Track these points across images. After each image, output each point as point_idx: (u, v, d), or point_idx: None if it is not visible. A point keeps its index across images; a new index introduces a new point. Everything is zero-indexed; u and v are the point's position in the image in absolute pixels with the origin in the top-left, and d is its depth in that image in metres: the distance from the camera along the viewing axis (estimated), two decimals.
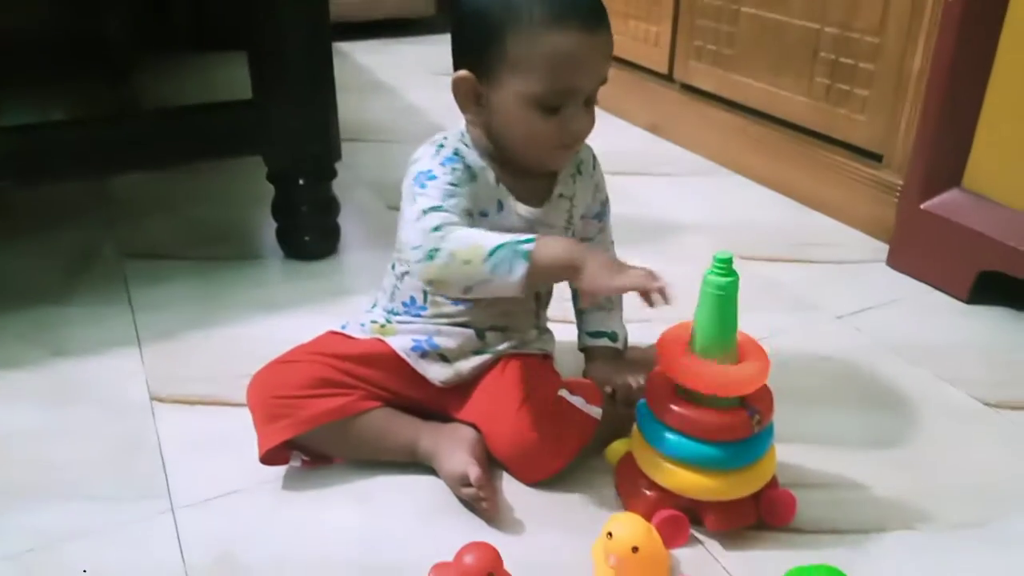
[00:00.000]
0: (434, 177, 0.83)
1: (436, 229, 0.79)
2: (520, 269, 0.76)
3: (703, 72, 1.77)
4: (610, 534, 0.74)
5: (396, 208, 0.88)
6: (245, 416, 0.90)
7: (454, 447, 0.86)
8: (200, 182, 1.63)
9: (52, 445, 0.94)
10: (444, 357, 0.91)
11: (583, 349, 0.98)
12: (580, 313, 1.00)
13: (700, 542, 0.82)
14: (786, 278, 1.32)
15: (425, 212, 0.81)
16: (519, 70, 0.81)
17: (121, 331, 1.15)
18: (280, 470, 0.90)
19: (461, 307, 0.91)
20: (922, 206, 1.27)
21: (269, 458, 0.87)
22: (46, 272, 1.31)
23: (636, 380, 0.91)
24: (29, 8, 1.77)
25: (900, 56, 1.34)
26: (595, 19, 0.81)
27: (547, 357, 0.95)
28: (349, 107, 1.57)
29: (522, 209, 0.89)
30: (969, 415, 1.01)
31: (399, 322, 0.93)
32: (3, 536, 0.82)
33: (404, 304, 0.93)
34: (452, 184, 0.83)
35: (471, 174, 0.86)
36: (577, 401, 0.88)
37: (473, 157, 0.87)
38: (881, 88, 1.38)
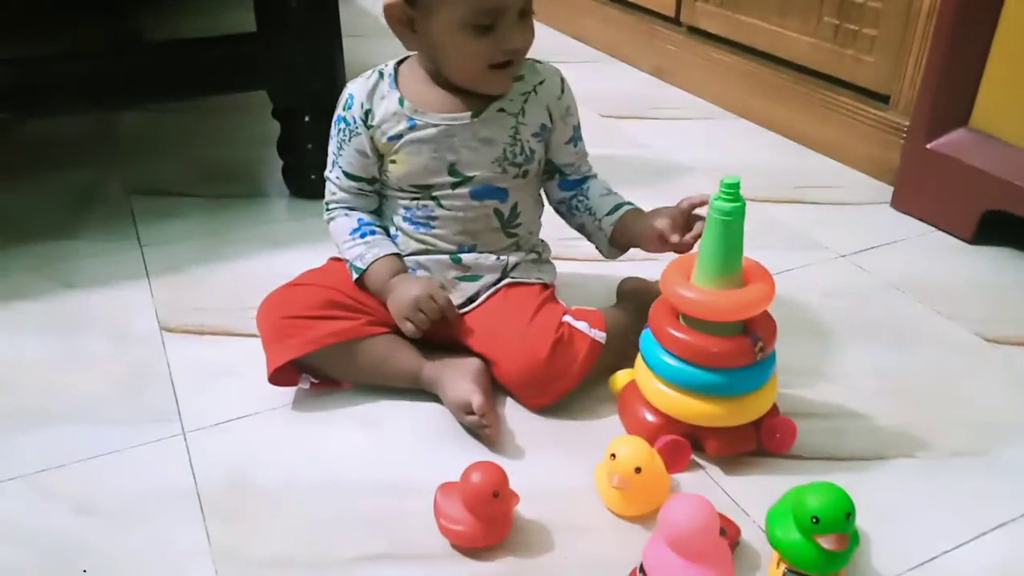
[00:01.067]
0: (331, 136, 0.94)
1: (327, 207, 0.95)
2: (352, 280, 0.92)
3: (710, 14, 1.75)
4: (613, 455, 0.76)
5: None
6: (253, 345, 0.91)
7: (458, 375, 0.87)
8: (207, 122, 1.63)
9: (64, 372, 0.96)
10: None
11: (616, 243, 0.95)
12: (590, 211, 0.96)
13: (701, 467, 0.83)
14: (790, 218, 1.32)
15: (325, 177, 0.95)
16: None
17: (130, 265, 1.16)
18: (288, 395, 0.91)
19: (422, 230, 0.92)
20: (928, 146, 1.26)
21: (277, 378, 0.88)
22: (54, 208, 1.31)
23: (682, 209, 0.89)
24: None
25: None
26: None
27: (547, 287, 0.95)
28: (356, 51, 1.56)
29: (443, 119, 0.88)
30: (969, 350, 1.02)
31: None
32: (17, 456, 0.84)
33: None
34: (337, 148, 0.93)
35: (364, 114, 0.90)
36: (581, 326, 0.88)
37: (383, 87, 0.90)
38: (889, 27, 1.37)
